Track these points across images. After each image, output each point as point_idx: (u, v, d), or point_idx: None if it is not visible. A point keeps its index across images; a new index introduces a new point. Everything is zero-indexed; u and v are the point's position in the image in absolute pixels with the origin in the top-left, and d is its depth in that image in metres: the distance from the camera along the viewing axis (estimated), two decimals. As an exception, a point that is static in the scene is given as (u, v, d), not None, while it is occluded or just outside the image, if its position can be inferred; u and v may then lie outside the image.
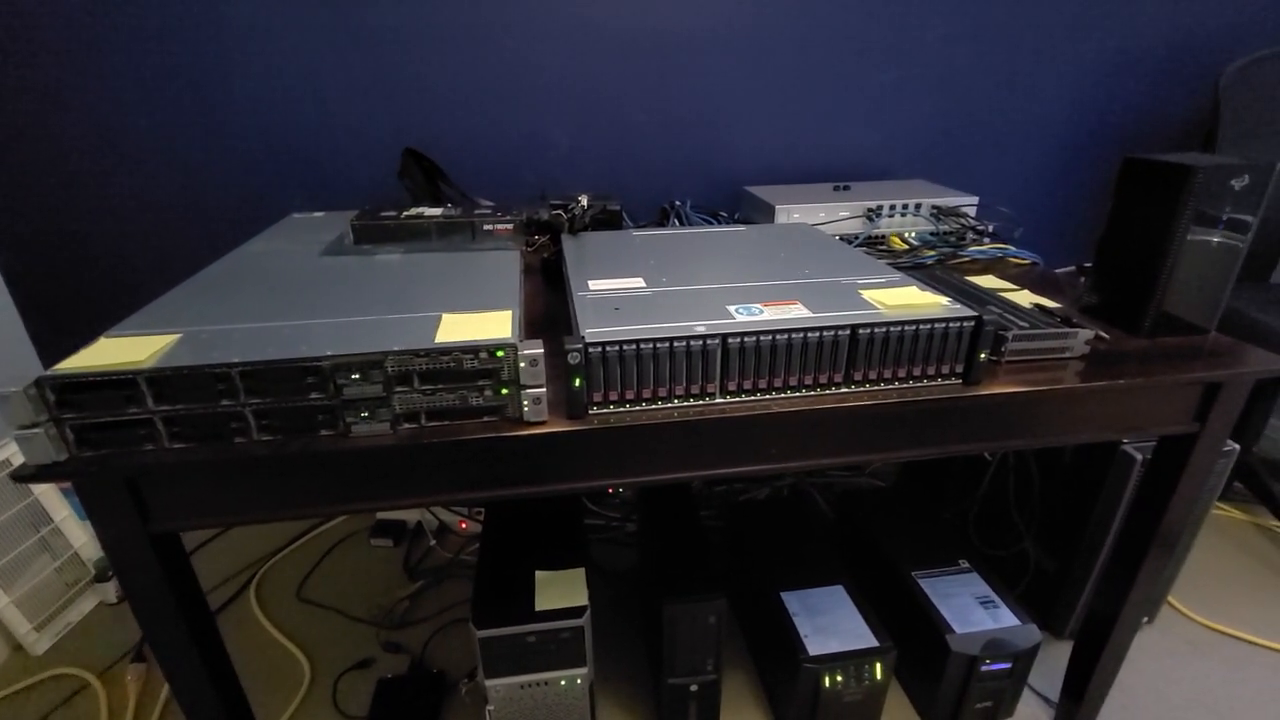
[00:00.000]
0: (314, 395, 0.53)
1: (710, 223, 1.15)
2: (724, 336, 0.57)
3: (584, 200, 0.92)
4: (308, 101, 1.15)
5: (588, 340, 0.55)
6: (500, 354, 0.54)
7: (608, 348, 0.56)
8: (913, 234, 1.09)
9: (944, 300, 0.64)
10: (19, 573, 1.13)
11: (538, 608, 0.79)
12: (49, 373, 0.49)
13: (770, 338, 0.58)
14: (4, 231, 1.17)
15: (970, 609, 0.94)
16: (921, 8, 1.23)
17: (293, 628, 1.16)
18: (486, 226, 0.87)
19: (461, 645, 1.11)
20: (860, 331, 0.59)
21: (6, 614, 1.09)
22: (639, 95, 1.23)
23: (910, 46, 1.26)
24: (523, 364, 0.54)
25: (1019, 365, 0.67)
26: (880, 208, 1.10)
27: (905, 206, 1.10)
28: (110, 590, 1.22)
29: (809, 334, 0.58)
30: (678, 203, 1.18)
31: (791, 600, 0.96)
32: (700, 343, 0.57)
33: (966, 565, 1.03)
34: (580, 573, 0.85)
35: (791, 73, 1.25)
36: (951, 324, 0.60)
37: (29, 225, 1.17)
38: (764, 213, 1.11)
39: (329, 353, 0.52)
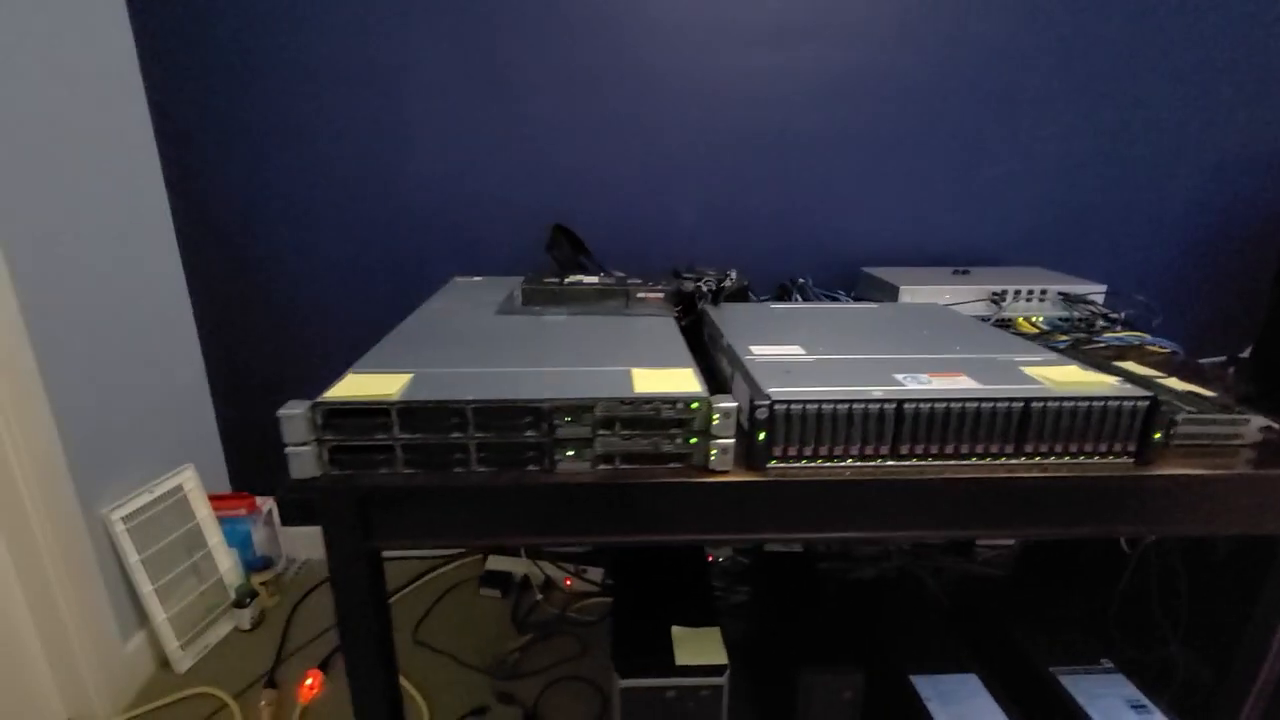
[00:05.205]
0: (529, 433, 0.60)
1: (834, 299, 1.20)
2: (900, 402, 0.61)
3: (733, 273, 0.99)
4: (469, 180, 1.31)
5: (774, 398, 0.60)
6: (695, 406, 0.60)
7: (792, 406, 0.60)
8: (1040, 319, 1.10)
9: (1111, 379, 0.66)
10: (171, 592, 1.22)
11: (678, 662, 0.80)
12: (320, 399, 0.58)
13: (945, 405, 0.61)
14: (200, 275, 1.35)
15: (1121, 712, 0.89)
16: (1032, 110, 1.29)
17: (410, 669, 1.19)
18: (640, 294, 0.95)
19: (573, 702, 1.11)
20: (1034, 405, 0.61)
21: (161, 630, 1.18)
22: (762, 184, 1.33)
23: (1022, 143, 1.32)
24: (716, 416, 0.59)
25: (1188, 449, 0.67)
26: (1005, 292, 1.12)
27: (1030, 292, 1.12)
28: (245, 616, 1.30)
29: (982, 404, 0.61)
30: (801, 280, 1.24)
31: (923, 685, 0.93)
32: (878, 406, 0.61)
33: (1110, 665, 0.97)
34: (715, 632, 0.86)
35: (906, 166, 1.33)
36: (1125, 402, 0.62)
37: (221, 277, 1.35)
38: (885, 293, 1.16)
39: (548, 396, 0.59)
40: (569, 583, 1.40)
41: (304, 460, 0.57)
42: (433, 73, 1.24)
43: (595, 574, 1.43)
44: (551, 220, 1.24)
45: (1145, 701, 0.91)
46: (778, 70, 1.26)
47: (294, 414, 0.56)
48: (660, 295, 0.96)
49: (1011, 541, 1.52)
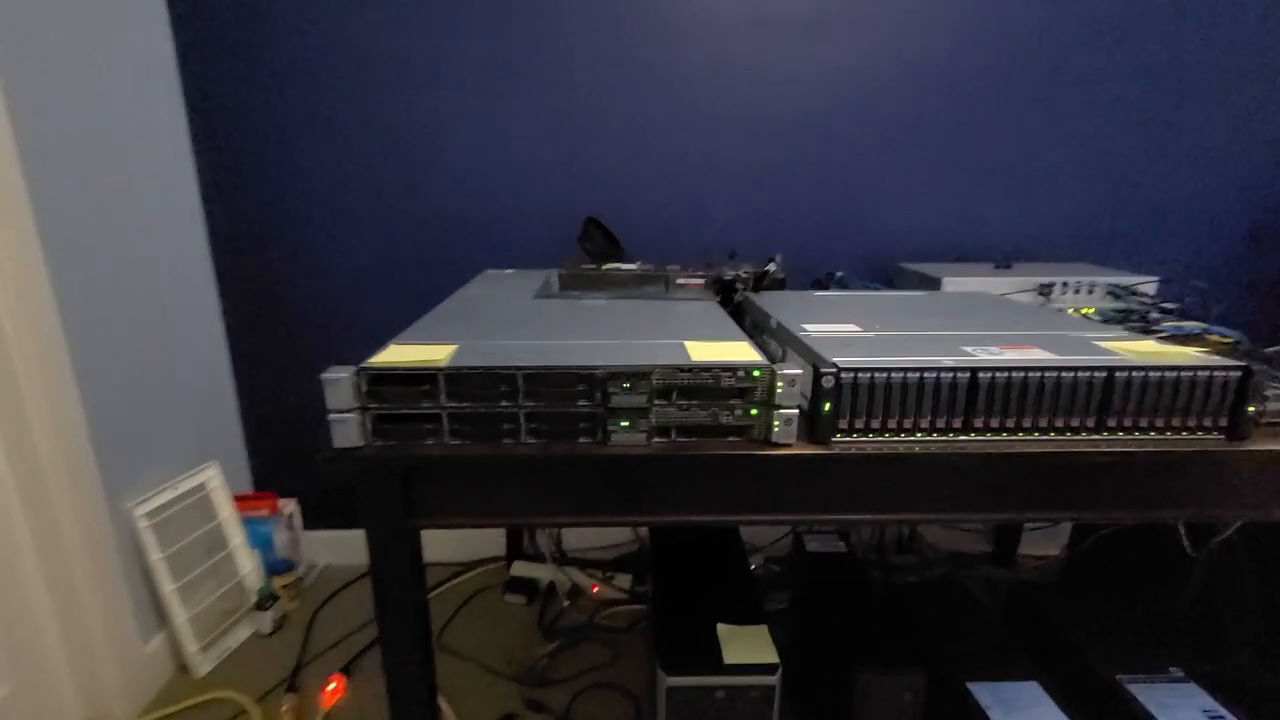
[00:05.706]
0: (582, 402, 0.56)
1: (875, 289, 1.17)
2: (974, 370, 0.57)
3: (777, 258, 0.97)
4: (500, 177, 1.30)
5: (840, 366, 0.57)
6: (756, 374, 0.56)
7: (859, 375, 0.57)
8: (1091, 310, 1.06)
9: (1192, 350, 0.62)
10: (192, 593, 1.19)
11: (726, 661, 0.76)
12: (366, 364, 0.55)
13: (1022, 375, 0.57)
14: (228, 274, 1.34)
15: (1198, 723, 0.83)
16: (1076, 102, 1.27)
17: (437, 676, 1.14)
18: (680, 280, 0.93)
19: (604, 710, 1.06)
20: (1118, 375, 0.57)
21: (181, 632, 1.15)
22: (796, 178, 1.31)
23: (1062, 136, 1.29)
24: (780, 384, 0.56)
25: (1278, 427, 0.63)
26: (1052, 284, 1.09)
27: (1079, 284, 1.09)
28: (266, 620, 1.26)
29: (1062, 374, 0.57)
30: (839, 273, 1.21)
31: (982, 692, 0.87)
32: (950, 376, 0.57)
33: (1180, 674, 0.91)
34: (763, 630, 0.81)
35: (945, 158, 1.30)
36: (1216, 372, 0.58)
37: (250, 277, 1.34)
38: (926, 286, 1.12)
39: (602, 363, 0.56)
40: (596, 589, 1.35)
41: (347, 428, 0.55)
42: (465, 71, 1.24)
43: (623, 581, 1.38)
44: (583, 217, 1.22)
45: (1223, 712, 0.85)
46: (813, 63, 1.25)
47: (338, 378, 0.53)
48: (700, 282, 0.93)
49: (1057, 550, 1.46)
